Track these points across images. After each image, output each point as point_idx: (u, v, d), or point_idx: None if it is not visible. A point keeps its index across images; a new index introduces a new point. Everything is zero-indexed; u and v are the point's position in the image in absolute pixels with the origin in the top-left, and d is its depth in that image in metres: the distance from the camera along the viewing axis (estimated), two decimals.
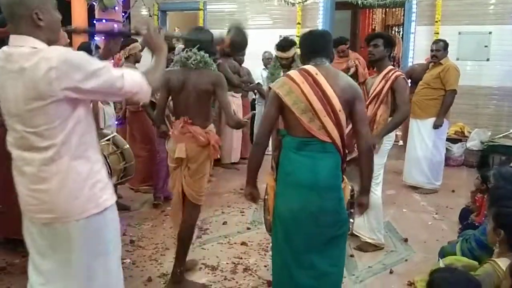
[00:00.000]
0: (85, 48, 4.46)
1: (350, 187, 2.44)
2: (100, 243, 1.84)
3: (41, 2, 1.72)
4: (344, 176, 2.40)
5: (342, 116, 2.25)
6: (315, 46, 2.41)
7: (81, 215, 1.76)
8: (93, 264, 1.83)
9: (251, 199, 2.55)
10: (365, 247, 3.69)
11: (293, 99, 2.25)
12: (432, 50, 5.33)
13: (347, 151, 2.43)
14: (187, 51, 2.96)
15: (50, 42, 1.74)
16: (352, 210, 2.45)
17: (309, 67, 2.32)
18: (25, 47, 1.68)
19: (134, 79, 1.79)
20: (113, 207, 1.89)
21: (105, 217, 1.84)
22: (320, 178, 2.24)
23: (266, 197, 2.48)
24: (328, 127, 2.23)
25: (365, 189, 2.43)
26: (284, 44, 4.40)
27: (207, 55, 2.95)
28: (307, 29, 2.58)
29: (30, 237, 1.85)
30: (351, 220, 2.49)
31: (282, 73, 4.04)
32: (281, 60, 4.44)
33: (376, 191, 3.60)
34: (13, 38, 1.72)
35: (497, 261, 2.24)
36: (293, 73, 2.34)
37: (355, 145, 3.38)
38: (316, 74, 2.27)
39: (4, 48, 1.73)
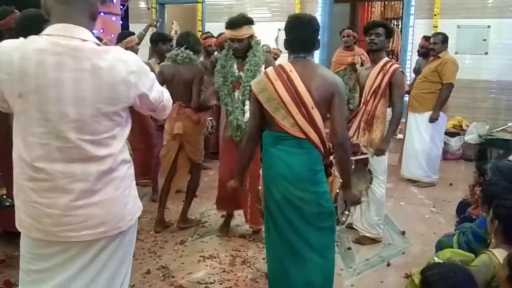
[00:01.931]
0: None
1: (339, 181, 2.44)
2: (132, 248, 1.77)
3: None
4: (333, 170, 2.41)
5: (316, 113, 2.23)
6: (297, 38, 2.33)
7: (130, 222, 1.66)
8: (119, 270, 1.71)
9: (231, 190, 2.66)
10: (363, 240, 3.71)
11: (266, 96, 2.27)
12: (430, 43, 5.33)
13: (352, 151, 2.43)
14: (176, 50, 3.79)
15: None
16: (338, 204, 2.44)
17: (285, 63, 2.32)
18: (89, 42, 1.48)
19: (168, 95, 1.77)
20: None
21: (137, 223, 1.78)
22: (294, 172, 2.27)
23: (259, 188, 2.52)
24: (301, 124, 2.23)
25: (345, 184, 2.43)
26: (235, 20, 3.41)
27: (192, 52, 3.78)
28: None
29: (59, 264, 1.58)
30: (346, 212, 2.51)
31: (235, 65, 3.49)
32: (232, 43, 3.46)
33: (381, 187, 3.62)
34: (65, 27, 1.46)
35: (493, 252, 2.28)
36: (269, 70, 2.35)
37: (360, 145, 3.44)
38: (291, 71, 2.26)
39: (53, 38, 1.45)
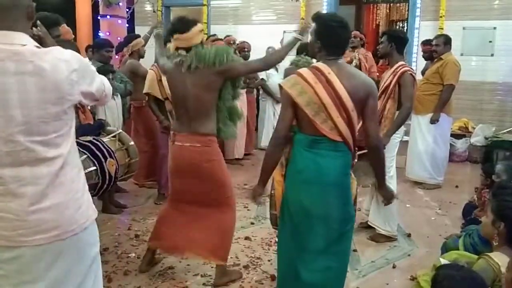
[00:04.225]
0: None
1: (355, 183, 2.45)
2: (90, 253, 1.72)
3: None
4: (351, 172, 2.40)
5: (355, 116, 2.22)
6: (337, 40, 2.27)
7: (84, 224, 1.64)
8: (87, 275, 1.69)
9: (253, 199, 2.49)
10: (378, 237, 3.76)
11: (306, 100, 2.19)
12: (432, 45, 5.34)
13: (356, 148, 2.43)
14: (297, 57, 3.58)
15: None
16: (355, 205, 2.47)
17: (321, 65, 2.24)
18: (29, 46, 1.51)
19: (108, 83, 1.79)
20: None
21: (95, 226, 1.75)
22: (330, 176, 2.24)
23: (272, 192, 2.48)
24: (341, 127, 2.19)
25: (381, 183, 2.46)
26: (180, 25, 2.83)
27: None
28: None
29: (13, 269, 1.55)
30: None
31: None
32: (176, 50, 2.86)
33: (390, 184, 3.63)
34: (4, 34, 1.49)
35: (491, 256, 2.27)
36: (305, 72, 2.26)
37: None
38: (329, 73, 2.20)
39: None
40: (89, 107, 3.56)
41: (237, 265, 3.31)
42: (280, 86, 2.30)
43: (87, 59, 1.65)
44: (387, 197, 2.52)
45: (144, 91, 4.46)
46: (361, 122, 2.38)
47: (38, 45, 1.57)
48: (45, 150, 1.51)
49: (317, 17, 2.34)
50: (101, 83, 1.71)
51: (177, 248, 3.06)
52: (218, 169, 2.93)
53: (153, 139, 4.95)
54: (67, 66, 1.53)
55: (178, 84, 2.85)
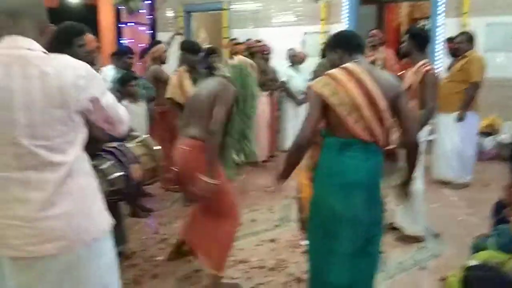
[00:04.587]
0: None
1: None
2: (107, 259, 1.72)
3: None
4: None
5: (386, 115, 2.21)
6: (358, 41, 2.36)
7: (95, 235, 1.63)
8: (101, 283, 1.68)
9: (276, 188, 2.43)
10: (405, 238, 3.73)
11: (339, 99, 2.17)
12: (455, 43, 5.26)
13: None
14: None
15: None
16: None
17: (351, 65, 2.24)
18: (37, 51, 1.54)
19: (123, 109, 1.79)
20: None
21: (110, 235, 1.73)
22: (364, 178, 2.22)
23: (300, 195, 2.47)
24: (373, 127, 2.19)
25: (407, 181, 2.48)
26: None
27: None
28: (332, 25, 2.57)
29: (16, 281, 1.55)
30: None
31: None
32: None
33: (416, 184, 3.60)
34: (13, 39, 1.52)
35: None
36: (336, 72, 2.25)
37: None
38: (360, 73, 2.20)
39: (2, 50, 1.51)
40: None
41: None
42: (309, 87, 2.29)
43: (103, 74, 1.67)
44: (405, 195, 2.52)
45: (167, 96, 4.52)
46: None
47: (45, 51, 1.58)
48: (50, 155, 1.51)
49: (329, 40, 2.51)
50: (114, 103, 1.71)
51: (193, 244, 3.16)
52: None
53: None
54: (74, 72, 1.54)
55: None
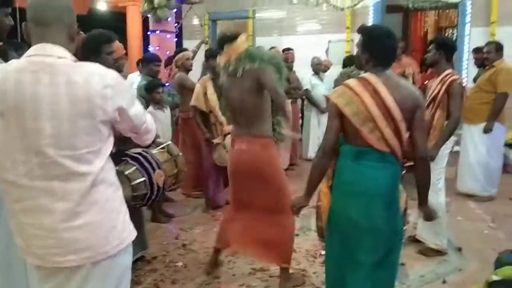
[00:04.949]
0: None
1: (405, 195, 2.41)
2: (126, 274, 1.71)
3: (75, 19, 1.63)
4: (400, 185, 2.37)
5: (403, 126, 2.19)
6: (388, 54, 2.28)
7: (119, 246, 1.61)
8: None
9: (296, 209, 2.46)
10: (427, 251, 3.68)
11: (353, 109, 2.19)
12: (483, 53, 5.18)
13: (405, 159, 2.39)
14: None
15: None
16: (405, 218, 2.42)
17: (368, 75, 2.24)
18: (66, 59, 1.53)
19: (151, 118, 1.78)
20: None
21: (131, 247, 1.72)
22: (377, 188, 2.21)
23: (319, 203, 2.47)
24: (388, 138, 2.17)
25: (423, 198, 2.38)
26: (227, 36, 3.09)
27: None
28: (357, 34, 2.45)
29: None
30: (404, 228, 2.46)
31: None
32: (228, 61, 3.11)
33: (440, 196, 3.58)
34: (42, 46, 1.51)
35: None
36: (352, 82, 2.26)
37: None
38: (376, 83, 2.19)
39: (32, 58, 1.50)
40: None
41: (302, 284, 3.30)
42: (327, 98, 2.31)
43: (129, 81, 1.66)
44: (428, 214, 2.42)
45: (191, 103, 4.60)
46: (408, 133, 2.35)
47: (75, 58, 1.57)
48: (75, 165, 1.49)
49: (362, 29, 2.35)
50: (142, 112, 1.70)
51: (240, 243, 3.23)
52: (275, 173, 3.08)
53: (199, 150, 5.06)
54: (101, 80, 1.51)
55: (231, 90, 3.08)
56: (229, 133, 3.96)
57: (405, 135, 2.23)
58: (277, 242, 3.07)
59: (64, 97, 1.46)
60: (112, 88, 1.53)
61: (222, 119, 4.34)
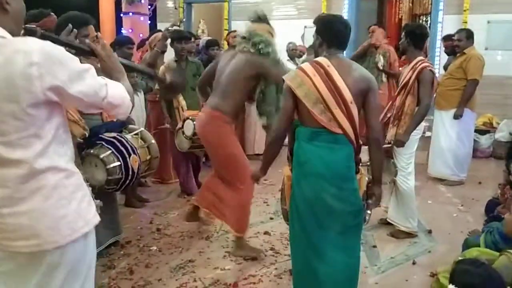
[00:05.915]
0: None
1: (366, 178, 2.46)
2: (83, 269, 1.57)
3: None
4: (360, 167, 2.42)
5: (354, 108, 2.26)
6: (338, 37, 2.38)
7: (70, 237, 1.46)
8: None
9: (255, 180, 2.81)
10: (398, 234, 3.77)
11: (304, 91, 2.27)
12: (453, 41, 5.27)
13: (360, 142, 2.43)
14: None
15: (12, 35, 1.41)
16: (369, 201, 2.46)
17: (321, 59, 2.33)
18: None
19: (118, 91, 1.56)
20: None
21: (91, 237, 1.58)
22: (332, 168, 2.28)
23: (283, 187, 2.53)
24: (339, 119, 2.24)
25: (376, 180, 2.45)
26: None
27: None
28: None
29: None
30: (368, 211, 2.50)
31: None
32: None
33: (409, 181, 3.66)
34: None
35: None
36: (305, 65, 2.35)
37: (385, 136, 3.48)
38: (328, 66, 2.27)
39: None
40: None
41: (255, 259, 3.34)
42: (283, 80, 2.40)
43: (67, 52, 1.43)
44: (377, 197, 2.45)
45: (155, 87, 4.55)
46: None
47: (4, 35, 1.39)
48: (8, 151, 1.37)
49: (316, 18, 2.50)
50: (96, 87, 1.47)
51: (209, 204, 3.48)
52: (220, 143, 3.26)
53: (163, 136, 4.85)
54: (25, 58, 1.32)
55: (228, 61, 3.27)
56: (188, 118, 4.00)
57: (357, 117, 2.29)
58: (231, 207, 3.30)
59: None
60: (39, 66, 1.32)
61: (183, 103, 4.37)
